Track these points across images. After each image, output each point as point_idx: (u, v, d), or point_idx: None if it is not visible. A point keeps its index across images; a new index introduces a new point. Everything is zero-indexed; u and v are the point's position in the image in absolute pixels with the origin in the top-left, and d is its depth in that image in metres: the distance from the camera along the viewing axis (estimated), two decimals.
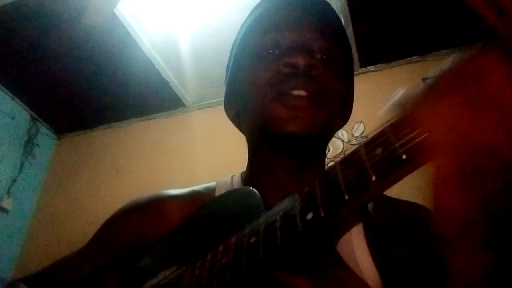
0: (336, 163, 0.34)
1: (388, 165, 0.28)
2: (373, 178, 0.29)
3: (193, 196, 0.65)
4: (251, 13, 0.69)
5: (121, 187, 2.53)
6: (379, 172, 0.28)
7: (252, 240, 0.38)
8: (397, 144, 0.28)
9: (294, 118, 0.54)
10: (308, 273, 0.36)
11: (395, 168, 0.28)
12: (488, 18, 0.26)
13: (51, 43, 2.24)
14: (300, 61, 0.55)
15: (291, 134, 0.54)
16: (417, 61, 2.26)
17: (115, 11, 2.01)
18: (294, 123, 0.54)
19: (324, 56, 0.59)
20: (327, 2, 0.67)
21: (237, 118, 0.68)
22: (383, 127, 0.30)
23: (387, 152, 0.28)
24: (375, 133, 0.31)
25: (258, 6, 0.68)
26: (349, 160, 0.32)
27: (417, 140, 0.27)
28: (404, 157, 0.27)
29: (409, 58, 2.27)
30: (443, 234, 0.27)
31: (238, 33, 0.70)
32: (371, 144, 0.30)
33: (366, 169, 0.29)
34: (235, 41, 0.71)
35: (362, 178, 0.30)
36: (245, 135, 0.68)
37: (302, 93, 0.54)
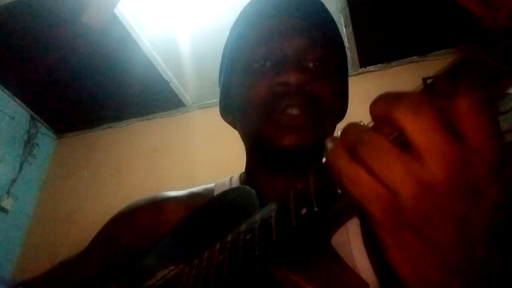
0: None
1: None
2: None
3: (192, 197, 0.66)
4: (240, 16, 0.68)
5: (121, 187, 2.53)
6: None
7: (248, 236, 0.39)
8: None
9: (287, 134, 0.55)
10: (303, 268, 0.36)
11: None
12: (475, 13, 0.26)
13: (51, 43, 2.24)
14: (292, 79, 0.55)
15: (285, 149, 0.55)
16: (417, 61, 2.26)
17: (115, 11, 2.01)
18: (288, 139, 0.55)
19: (317, 64, 0.59)
20: (318, 1, 0.65)
21: (233, 123, 0.69)
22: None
23: None
24: None
25: (246, 10, 0.67)
26: None
27: None
28: None
29: (409, 58, 2.27)
30: None
31: (229, 37, 0.69)
32: None
33: None
34: (225, 47, 0.70)
35: None
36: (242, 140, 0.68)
37: (295, 111, 0.55)
